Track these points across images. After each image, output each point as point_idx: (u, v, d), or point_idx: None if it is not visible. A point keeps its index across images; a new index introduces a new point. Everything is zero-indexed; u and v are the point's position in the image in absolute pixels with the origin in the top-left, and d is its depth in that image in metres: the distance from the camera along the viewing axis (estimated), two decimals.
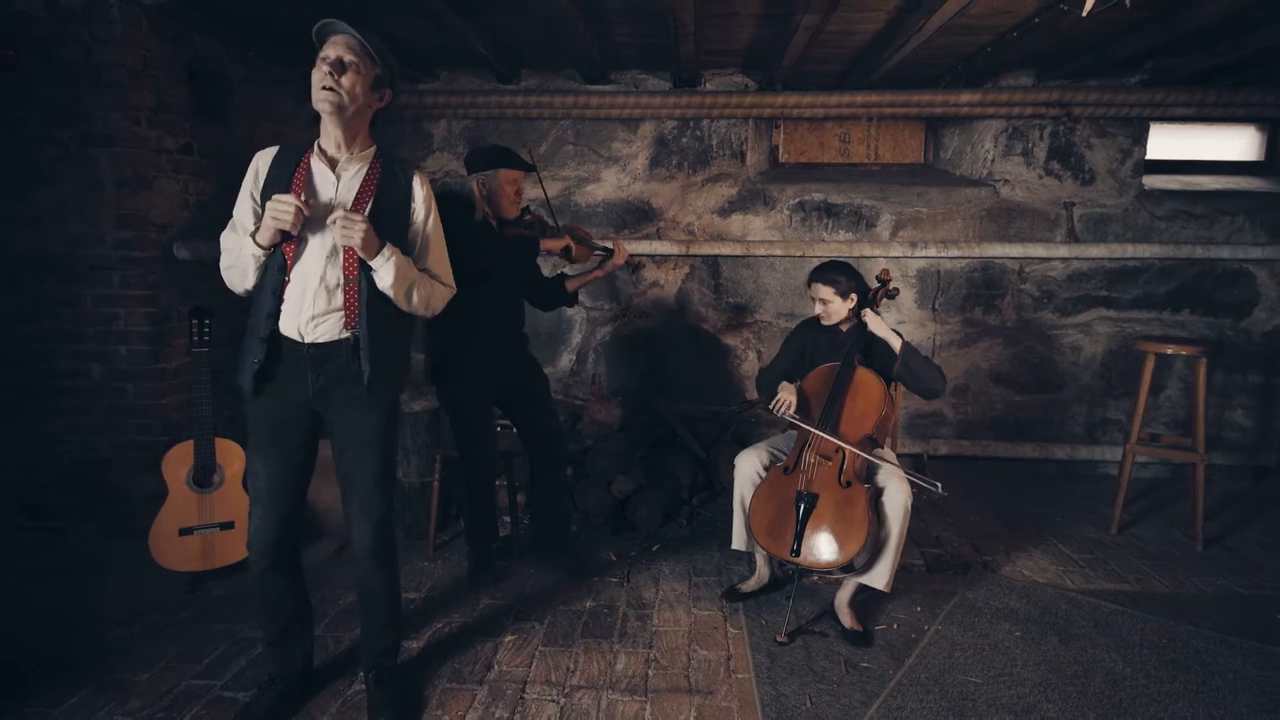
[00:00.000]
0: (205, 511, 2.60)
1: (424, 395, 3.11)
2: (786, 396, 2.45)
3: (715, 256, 3.96)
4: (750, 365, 4.06)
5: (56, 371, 2.84)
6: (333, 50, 1.70)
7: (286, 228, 1.67)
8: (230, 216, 1.84)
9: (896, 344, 2.42)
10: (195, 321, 2.60)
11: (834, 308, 2.52)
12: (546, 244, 2.64)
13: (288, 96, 3.63)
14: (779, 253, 3.87)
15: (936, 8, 2.56)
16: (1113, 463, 3.87)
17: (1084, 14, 2.33)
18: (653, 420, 3.71)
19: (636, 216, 3.98)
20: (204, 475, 2.61)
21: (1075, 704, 2.01)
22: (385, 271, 1.76)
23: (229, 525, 2.63)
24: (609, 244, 2.79)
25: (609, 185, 3.97)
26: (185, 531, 2.57)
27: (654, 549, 3.01)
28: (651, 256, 3.95)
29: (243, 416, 3.25)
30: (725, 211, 3.97)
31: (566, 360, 4.08)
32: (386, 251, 1.75)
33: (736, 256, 3.93)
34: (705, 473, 3.56)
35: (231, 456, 2.65)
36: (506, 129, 3.90)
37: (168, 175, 2.83)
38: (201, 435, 2.59)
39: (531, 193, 3.89)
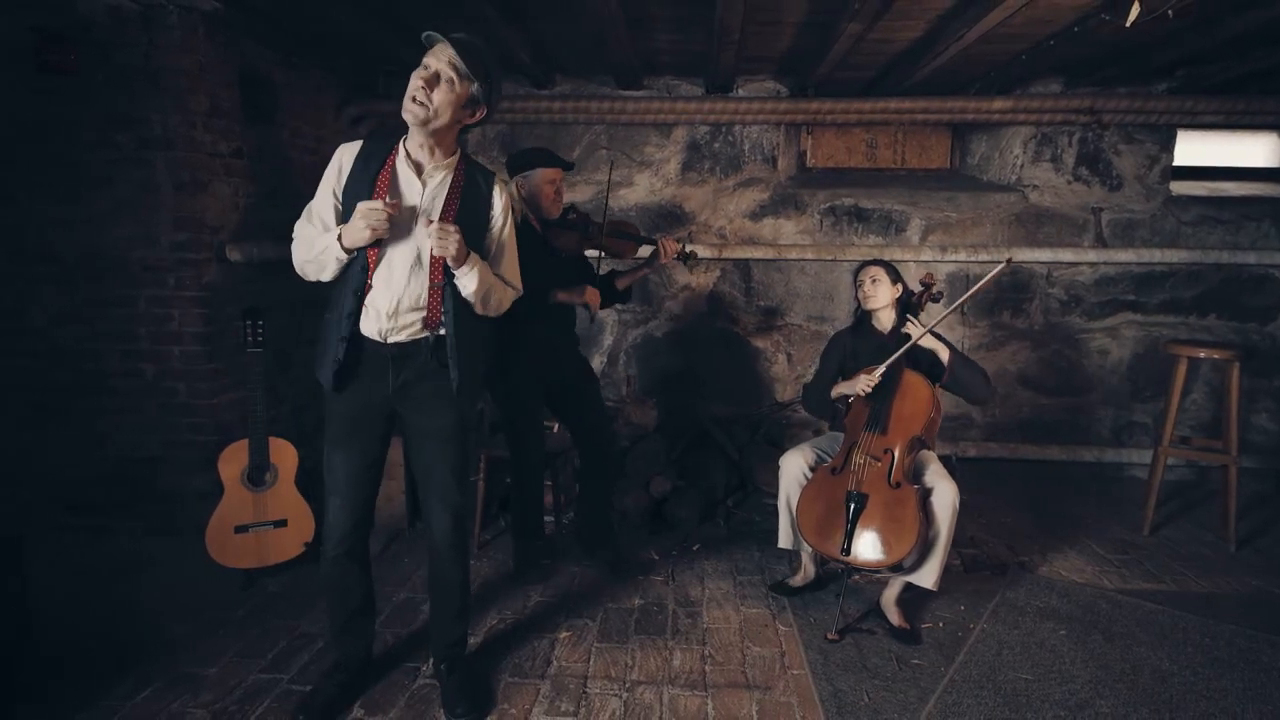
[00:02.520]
0: (259, 509, 2.64)
1: None
2: (865, 377, 2.44)
3: (746, 260, 4.00)
4: (780, 368, 4.11)
5: (108, 371, 2.88)
6: (434, 61, 1.69)
7: (381, 234, 1.69)
8: (296, 212, 1.85)
9: (945, 354, 2.46)
10: (249, 322, 2.64)
11: (881, 288, 2.56)
12: (587, 245, 2.67)
13: (327, 100, 3.68)
14: (810, 256, 3.91)
15: (980, 17, 2.60)
16: (1139, 465, 3.91)
17: (1128, 24, 2.38)
18: (685, 422, 3.76)
19: (669, 220, 4.02)
20: (257, 474, 2.65)
21: (1126, 700, 2.05)
22: (469, 280, 1.80)
23: (281, 523, 2.67)
24: (654, 238, 2.76)
25: (642, 189, 4.02)
26: (240, 529, 2.61)
27: (695, 548, 3.05)
28: (680, 262, 3.99)
29: (288, 416, 3.31)
30: (757, 215, 4.02)
31: (598, 362, 4.12)
32: (472, 260, 1.79)
33: (767, 260, 3.98)
34: (739, 473, 3.60)
35: (284, 455, 2.69)
36: (541, 133, 3.95)
37: (220, 178, 2.87)
38: (256, 434, 2.63)
39: (578, 195, 3.95)
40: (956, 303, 2.54)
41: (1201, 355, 3.08)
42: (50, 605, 2.40)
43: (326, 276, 1.82)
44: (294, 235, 1.85)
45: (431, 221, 1.73)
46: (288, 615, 2.46)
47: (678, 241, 2.77)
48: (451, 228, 1.72)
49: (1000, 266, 2.40)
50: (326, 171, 1.82)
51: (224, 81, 2.88)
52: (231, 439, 2.65)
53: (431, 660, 2.13)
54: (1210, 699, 2.06)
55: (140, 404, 2.90)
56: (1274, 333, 3.93)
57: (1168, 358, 3.23)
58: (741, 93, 3.90)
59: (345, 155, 1.81)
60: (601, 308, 2.80)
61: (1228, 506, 3.11)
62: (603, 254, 2.77)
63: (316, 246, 1.78)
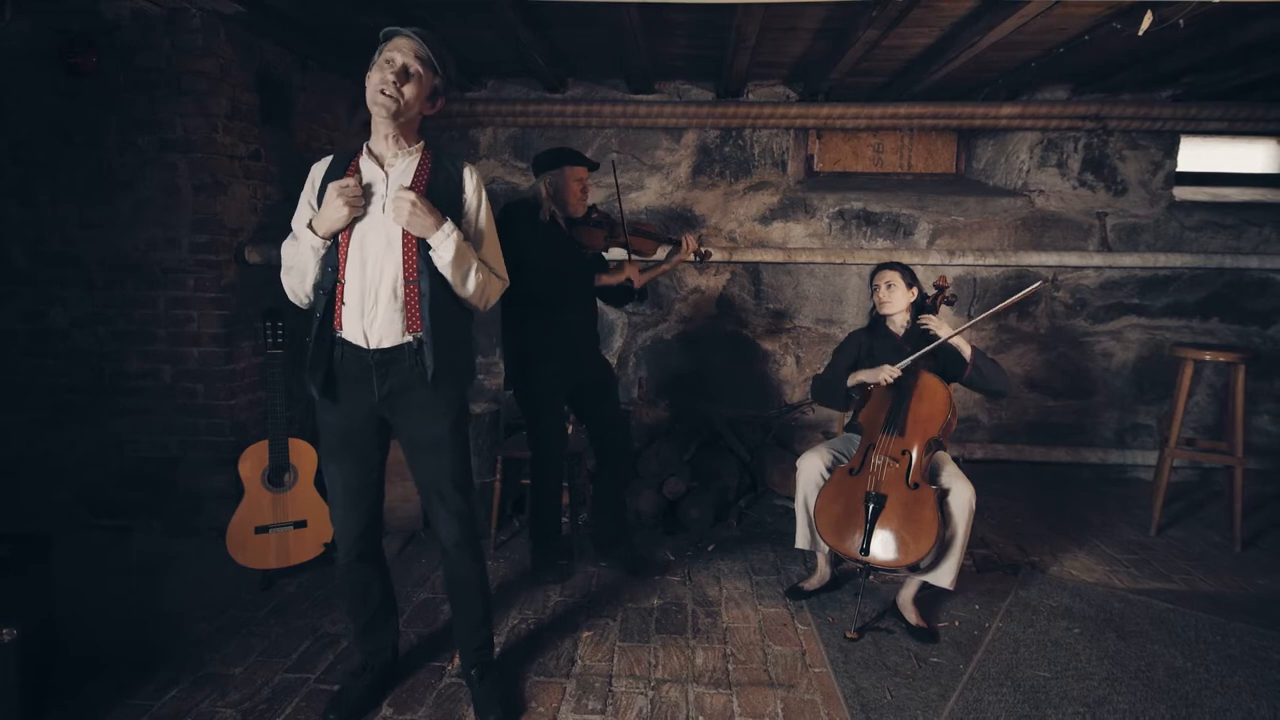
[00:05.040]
0: (279, 510, 2.65)
1: (483, 397, 3.17)
2: (889, 367, 2.47)
3: (756, 263, 4.03)
4: (789, 370, 4.14)
5: (128, 372, 2.89)
6: (399, 56, 1.68)
7: (356, 209, 1.68)
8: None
9: (967, 350, 2.49)
10: (269, 324, 2.66)
11: (897, 293, 2.59)
12: (613, 243, 2.71)
13: (340, 103, 3.70)
14: (819, 260, 3.94)
15: (994, 25, 2.64)
16: (1143, 467, 3.96)
17: (1140, 33, 2.43)
18: (696, 424, 3.79)
19: (679, 224, 4.05)
20: (277, 475, 2.66)
21: (1143, 697, 2.09)
22: (445, 248, 1.71)
23: (301, 524, 2.68)
24: (675, 237, 2.82)
25: (652, 192, 4.05)
26: (261, 530, 2.62)
27: (710, 549, 3.07)
28: (693, 263, 4.02)
29: (301, 417, 3.31)
30: (766, 219, 4.05)
31: None
32: (447, 227, 1.71)
33: (777, 263, 4.01)
34: (750, 475, 3.63)
35: (303, 456, 2.70)
36: (552, 137, 3.97)
37: (240, 180, 2.89)
38: (276, 435, 2.64)
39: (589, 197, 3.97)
40: (991, 310, 2.58)
41: (1208, 358, 3.13)
42: (75, 604, 2.40)
43: (309, 283, 1.79)
44: (282, 260, 1.84)
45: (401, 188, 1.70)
46: (309, 615, 2.48)
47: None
48: (409, 193, 1.67)
49: (1037, 285, 2.47)
50: (303, 191, 1.81)
51: (243, 84, 2.90)
52: (249, 440, 2.67)
53: (458, 661, 2.14)
54: (1225, 695, 2.10)
55: (159, 405, 2.92)
56: (1275, 336, 3.98)
57: (1173, 360, 3.28)
58: (752, 97, 3.94)
59: (317, 171, 1.82)
60: (618, 307, 2.85)
61: (1233, 507, 3.16)
62: (628, 253, 2.80)
63: (294, 253, 1.78)
